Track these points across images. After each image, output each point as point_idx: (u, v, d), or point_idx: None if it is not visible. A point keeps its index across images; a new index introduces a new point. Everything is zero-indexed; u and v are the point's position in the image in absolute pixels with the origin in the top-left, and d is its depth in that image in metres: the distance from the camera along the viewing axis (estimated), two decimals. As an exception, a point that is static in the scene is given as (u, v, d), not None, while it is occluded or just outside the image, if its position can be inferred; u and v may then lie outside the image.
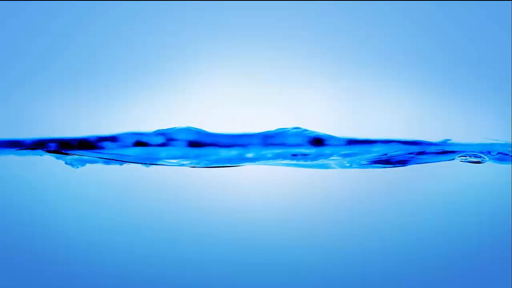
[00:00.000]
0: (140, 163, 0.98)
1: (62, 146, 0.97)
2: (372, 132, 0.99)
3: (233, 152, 0.97)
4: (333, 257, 1.07)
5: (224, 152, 0.97)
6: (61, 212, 1.05)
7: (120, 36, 1.04)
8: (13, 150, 0.97)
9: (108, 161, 0.99)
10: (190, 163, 0.98)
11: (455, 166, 1.05)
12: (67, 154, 0.97)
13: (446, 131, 1.04)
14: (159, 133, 0.97)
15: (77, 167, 0.99)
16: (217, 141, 0.97)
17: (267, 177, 1.05)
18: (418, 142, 1.01)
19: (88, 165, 1.01)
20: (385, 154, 1.01)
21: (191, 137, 0.96)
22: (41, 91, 1.03)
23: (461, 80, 1.06)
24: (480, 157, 1.01)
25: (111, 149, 0.96)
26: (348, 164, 1.01)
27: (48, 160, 1.00)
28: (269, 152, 0.98)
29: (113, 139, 0.97)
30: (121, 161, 0.98)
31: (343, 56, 1.05)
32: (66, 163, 0.98)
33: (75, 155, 0.97)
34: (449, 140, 1.00)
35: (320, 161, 1.00)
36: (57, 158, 0.98)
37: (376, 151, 1.00)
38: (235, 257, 1.06)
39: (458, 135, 1.03)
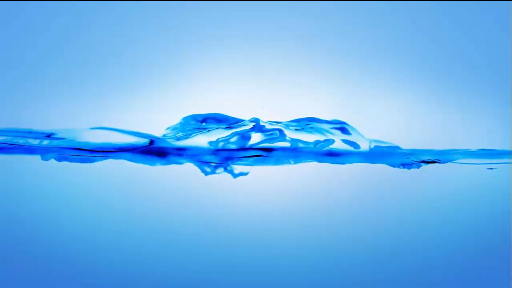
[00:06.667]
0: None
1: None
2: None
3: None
4: (330, 257, 1.07)
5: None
6: (61, 210, 1.06)
7: (119, 36, 1.04)
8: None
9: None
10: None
11: (452, 167, 1.05)
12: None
13: (444, 135, 1.04)
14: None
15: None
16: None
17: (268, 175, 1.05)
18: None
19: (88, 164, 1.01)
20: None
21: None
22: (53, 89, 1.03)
23: (460, 81, 1.06)
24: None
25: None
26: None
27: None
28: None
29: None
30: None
31: (340, 58, 1.05)
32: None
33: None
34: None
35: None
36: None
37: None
38: (236, 255, 1.06)
39: (456, 140, 1.03)
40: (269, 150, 0.99)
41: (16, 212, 1.05)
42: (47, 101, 1.02)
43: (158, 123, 1.01)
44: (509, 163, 1.02)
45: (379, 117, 1.04)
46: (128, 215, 1.05)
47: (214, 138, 0.99)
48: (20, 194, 1.05)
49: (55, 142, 0.98)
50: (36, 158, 1.00)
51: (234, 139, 0.98)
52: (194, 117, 1.01)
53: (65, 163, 1.01)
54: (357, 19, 1.05)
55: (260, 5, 1.04)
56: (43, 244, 1.05)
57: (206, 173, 1.00)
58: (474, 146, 1.04)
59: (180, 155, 0.99)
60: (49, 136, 0.97)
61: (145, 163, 1.00)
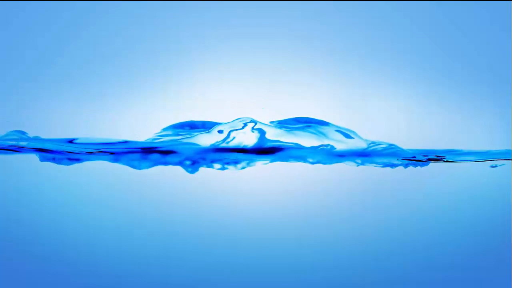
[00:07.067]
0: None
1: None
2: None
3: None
4: (330, 258, 1.07)
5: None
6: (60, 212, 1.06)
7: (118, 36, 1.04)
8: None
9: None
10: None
11: (452, 166, 1.05)
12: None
13: (444, 135, 1.04)
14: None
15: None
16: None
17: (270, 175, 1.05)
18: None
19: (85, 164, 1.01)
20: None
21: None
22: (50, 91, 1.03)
23: (460, 81, 1.06)
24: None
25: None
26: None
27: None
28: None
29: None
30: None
31: (340, 58, 1.05)
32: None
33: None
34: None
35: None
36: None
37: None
38: (238, 257, 1.06)
39: (456, 140, 1.03)
40: (262, 150, 0.99)
41: (15, 212, 1.05)
42: (47, 101, 1.02)
43: (158, 123, 1.01)
44: (510, 159, 1.02)
45: (379, 117, 1.04)
46: (127, 215, 1.05)
47: (206, 140, 0.99)
48: (18, 194, 1.05)
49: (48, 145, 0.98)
50: (34, 157, 1.00)
51: (229, 139, 0.98)
52: (184, 124, 1.01)
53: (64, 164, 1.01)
54: (357, 19, 1.05)
55: (260, 5, 1.04)
56: (41, 244, 1.05)
57: (191, 172, 1.00)
58: (474, 146, 1.04)
59: (173, 156, 0.99)
60: (71, 141, 0.98)
61: (142, 164, 1.00)
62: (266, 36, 1.04)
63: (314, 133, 1.00)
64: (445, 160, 1.02)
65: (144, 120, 1.02)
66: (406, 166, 1.03)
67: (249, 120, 0.98)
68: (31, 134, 1.00)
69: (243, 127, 0.98)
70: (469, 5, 1.05)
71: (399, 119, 1.04)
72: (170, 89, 1.03)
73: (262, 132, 0.99)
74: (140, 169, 0.99)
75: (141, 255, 1.05)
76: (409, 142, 1.03)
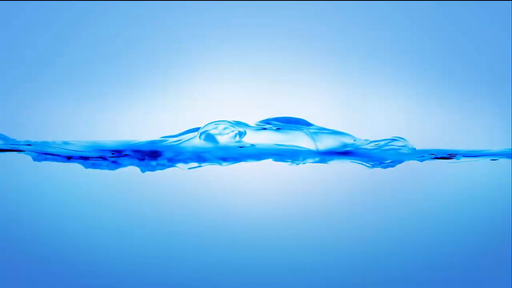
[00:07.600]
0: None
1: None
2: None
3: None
4: (330, 258, 1.07)
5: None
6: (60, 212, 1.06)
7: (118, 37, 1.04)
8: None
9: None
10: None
11: (451, 166, 1.05)
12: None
13: (444, 135, 1.04)
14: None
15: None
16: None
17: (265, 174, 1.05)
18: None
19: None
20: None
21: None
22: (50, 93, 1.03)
23: (460, 81, 1.06)
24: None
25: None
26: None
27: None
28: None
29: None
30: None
31: (340, 58, 1.05)
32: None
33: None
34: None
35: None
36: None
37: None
38: (238, 257, 1.06)
39: (456, 140, 1.03)
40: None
41: (15, 212, 1.05)
42: (47, 101, 1.02)
43: (158, 123, 1.01)
44: (509, 158, 1.02)
45: (379, 117, 1.04)
46: (126, 215, 1.05)
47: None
48: (18, 194, 1.05)
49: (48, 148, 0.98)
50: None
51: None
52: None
53: (64, 164, 1.01)
54: (357, 19, 1.05)
55: (260, 5, 1.04)
56: (41, 244, 1.05)
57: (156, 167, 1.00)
58: (474, 146, 1.04)
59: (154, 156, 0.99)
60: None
61: (142, 166, 1.00)
62: (266, 36, 1.04)
63: (303, 134, 1.00)
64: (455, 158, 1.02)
65: (144, 120, 1.02)
66: (400, 162, 1.03)
67: (229, 123, 0.98)
68: (31, 134, 1.00)
69: (218, 127, 0.98)
70: (469, 5, 1.05)
71: (399, 119, 1.04)
72: (170, 89, 1.03)
73: (242, 134, 0.99)
74: (114, 169, 0.99)
75: (141, 255, 1.05)
76: (409, 142, 1.03)
